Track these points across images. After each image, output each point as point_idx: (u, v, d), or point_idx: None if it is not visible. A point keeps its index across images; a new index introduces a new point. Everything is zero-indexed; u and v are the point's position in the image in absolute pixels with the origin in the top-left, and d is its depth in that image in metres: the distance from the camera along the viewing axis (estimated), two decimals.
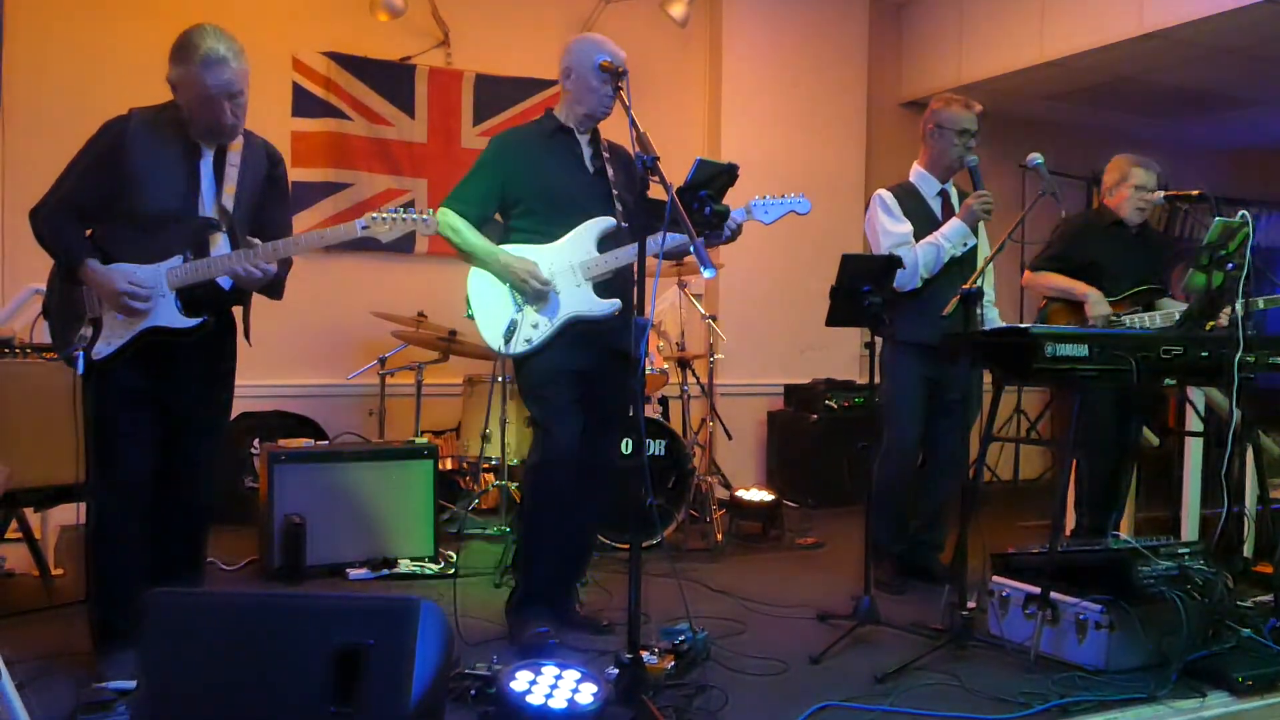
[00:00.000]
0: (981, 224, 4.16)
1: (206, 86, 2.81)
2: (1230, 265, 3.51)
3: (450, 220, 3.38)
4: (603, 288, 3.40)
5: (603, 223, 3.41)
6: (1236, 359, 3.37)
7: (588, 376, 3.42)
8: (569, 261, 3.38)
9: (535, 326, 3.37)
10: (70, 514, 3.58)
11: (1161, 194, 4.35)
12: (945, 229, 4.09)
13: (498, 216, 3.52)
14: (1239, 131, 8.45)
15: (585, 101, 3.43)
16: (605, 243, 3.41)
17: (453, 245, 3.45)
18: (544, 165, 3.46)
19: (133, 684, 2.75)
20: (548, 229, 3.42)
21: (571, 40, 3.51)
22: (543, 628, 3.31)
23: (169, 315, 2.88)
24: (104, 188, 2.85)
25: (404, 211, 3.02)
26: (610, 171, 3.50)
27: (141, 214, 2.87)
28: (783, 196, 3.45)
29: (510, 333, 3.34)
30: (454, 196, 3.48)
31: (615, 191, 3.48)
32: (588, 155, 3.51)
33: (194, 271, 2.88)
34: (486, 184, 3.48)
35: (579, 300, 3.38)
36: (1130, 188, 4.37)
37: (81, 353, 2.84)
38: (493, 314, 3.40)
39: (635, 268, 2.90)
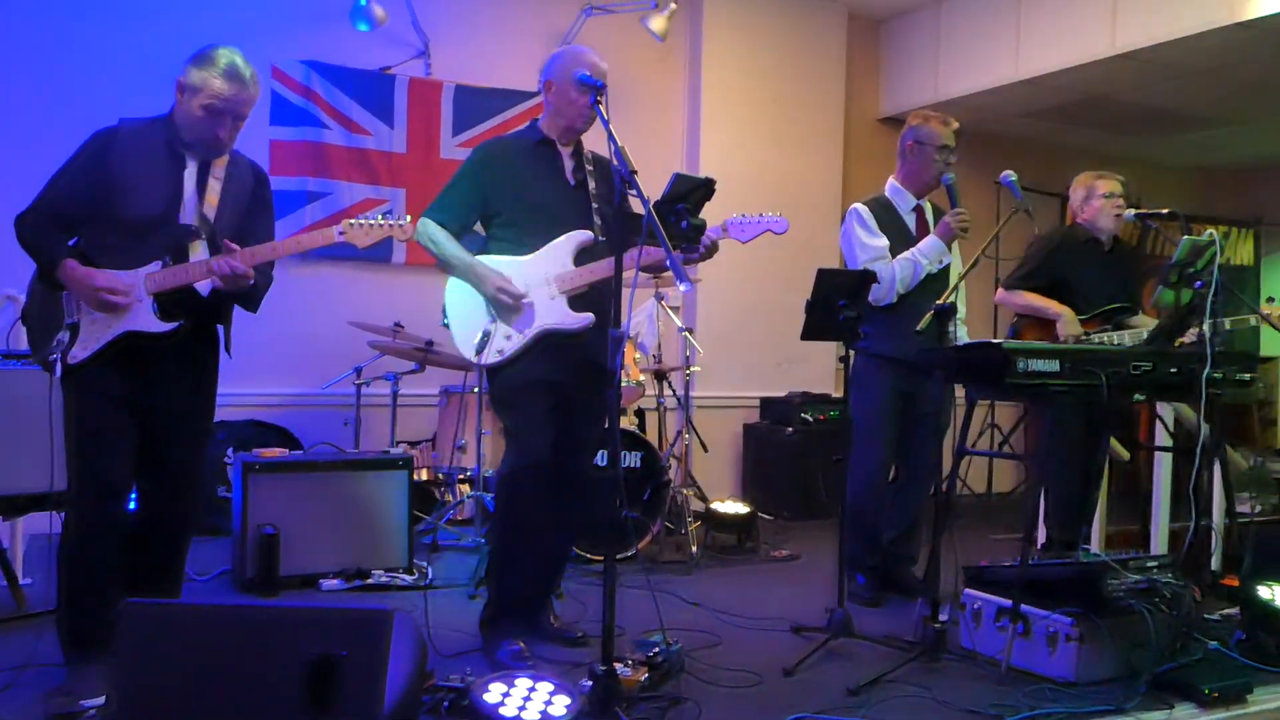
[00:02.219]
0: (956, 240, 4.20)
1: (218, 97, 2.85)
2: (1198, 283, 3.56)
3: (430, 231, 3.37)
4: (577, 301, 3.39)
5: (580, 236, 3.40)
6: (1205, 375, 3.42)
7: (561, 389, 3.40)
8: (544, 274, 3.37)
9: (508, 338, 3.36)
10: (40, 523, 3.55)
11: (1133, 212, 4.40)
12: (922, 245, 4.12)
13: (478, 227, 3.52)
14: (1208, 150, 8.57)
15: (565, 114, 3.42)
16: (582, 256, 3.40)
17: (431, 255, 3.43)
18: (525, 177, 3.45)
19: (101, 700, 2.73)
20: (526, 240, 3.41)
21: (555, 52, 3.51)
22: (516, 644, 3.28)
23: (145, 320, 2.87)
24: (88, 194, 2.87)
25: (381, 218, 3.02)
26: (591, 184, 3.50)
27: (123, 220, 2.88)
28: (760, 215, 3.44)
29: (483, 343, 3.33)
30: (435, 207, 3.46)
31: (595, 205, 3.48)
32: (569, 168, 3.51)
33: (172, 276, 2.88)
34: (468, 194, 3.47)
35: (552, 313, 3.37)
36: (1100, 198, 4.43)
37: (58, 356, 2.84)
38: (467, 324, 3.40)
39: (612, 280, 2.90)
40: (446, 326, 3.46)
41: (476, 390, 4.91)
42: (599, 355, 3.47)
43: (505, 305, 3.34)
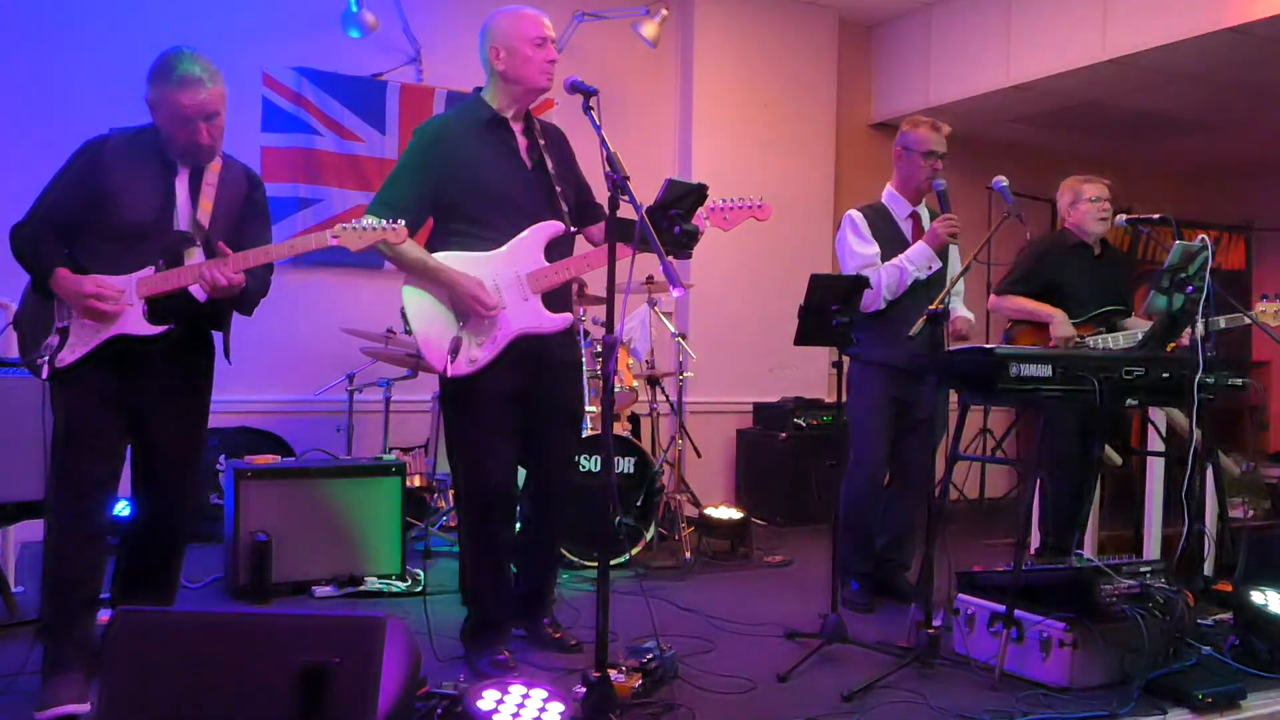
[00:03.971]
0: (953, 245, 4.20)
1: (182, 107, 2.84)
2: (1190, 288, 3.57)
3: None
4: (548, 299, 3.26)
5: (549, 228, 3.24)
6: (1196, 380, 3.43)
7: (527, 393, 3.29)
8: (516, 272, 3.21)
9: (480, 345, 3.19)
10: (32, 531, 3.53)
11: (1124, 217, 4.42)
12: (910, 252, 4.11)
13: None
14: (1199, 155, 8.60)
15: (525, 76, 3.24)
16: (552, 250, 3.26)
17: (385, 258, 3.22)
18: (479, 162, 3.23)
19: (81, 707, 2.72)
20: (489, 234, 3.22)
21: (486, 23, 3.33)
22: (500, 654, 3.24)
23: (134, 324, 2.87)
24: (81, 203, 2.88)
25: (375, 221, 2.98)
26: (549, 163, 3.33)
27: (117, 228, 2.88)
28: (741, 199, 3.36)
29: (455, 351, 3.15)
30: (381, 201, 3.20)
31: (559, 188, 3.32)
32: (523, 146, 3.32)
33: (163, 280, 2.88)
34: (418, 185, 3.22)
35: (527, 315, 3.21)
36: (1086, 201, 4.46)
37: (46, 359, 2.84)
38: (434, 331, 3.19)
39: (606, 279, 2.86)
40: (409, 334, 3.27)
41: None
42: (565, 351, 3.44)
43: (479, 318, 3.19)
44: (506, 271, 3.22)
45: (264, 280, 3.08)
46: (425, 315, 3.22)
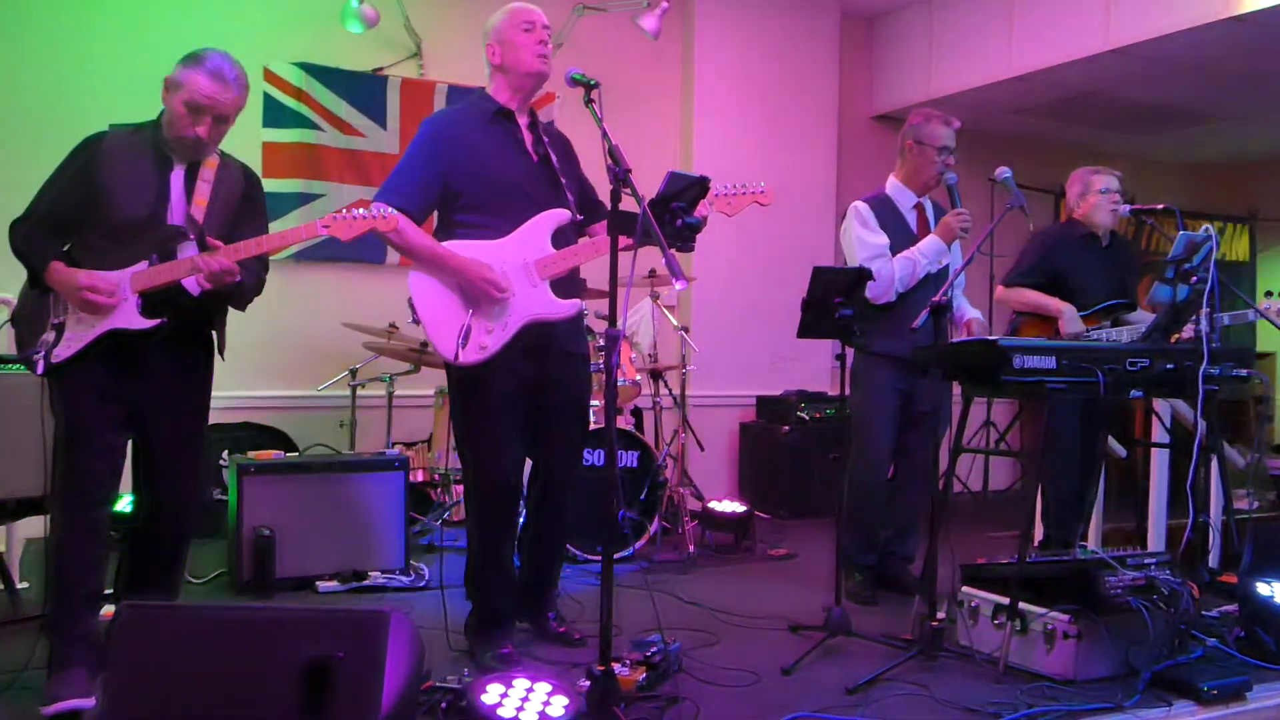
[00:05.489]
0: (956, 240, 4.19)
1: (200, 90, 2.85)
2: (1195, 279, 3.56)
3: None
4: (556, 286, 3.25)
5: (557, 216, 3.25)
6: (1201, 371, 3.42)
7: (535, 384, 3.29)
8: (523, 259, 3.20)
9: (490, 332, 3.17)
10: (35, 527, 3.53)
11: (1128, 207, 4.40)
12: (922, 245, 4.11)
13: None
14: (1202, 146, 8.58)
15: (519, 62, 3.27)
16: (558, 239, 3.26)
17: (393, 246, 3.23)
18: (486, 153, 3.25)
19: (86, 702, 2.72)
20: (496, 223, 3.22)
21: (485, 26, 3.38)
22: (505, 648, 3.24)
23: (128, 318, 2.86)
24: (77, 200, 2.88)
25: (364, 210, 2.96)
26: (554, 159, 3.35)
27: (111, 223, 2.88)
28: (742, 185, 3.35)
29: (464, 338, 3.13)
30: (390, 189, 3.21)
31: (563, 180, 3.33)
32: (529, 141, 3.35)
33: (157, 274, 2.88)
34: (427, 173, 3.23)
35: (536, 301, 3.20)
36: (1096, 193, 4.44)
37: (42, 354, 2.84)
38: (442, 320, 3.17)
39: (609, 271, 2.85)
40: (417, 324, 3.26)
41: None
42: (572, 342, 3.43)
43: (490, 297, 3.18)
44: (514, 259, 3.21)
45: (258, 276, 3.07)
46: (433, 303, 3.20)
